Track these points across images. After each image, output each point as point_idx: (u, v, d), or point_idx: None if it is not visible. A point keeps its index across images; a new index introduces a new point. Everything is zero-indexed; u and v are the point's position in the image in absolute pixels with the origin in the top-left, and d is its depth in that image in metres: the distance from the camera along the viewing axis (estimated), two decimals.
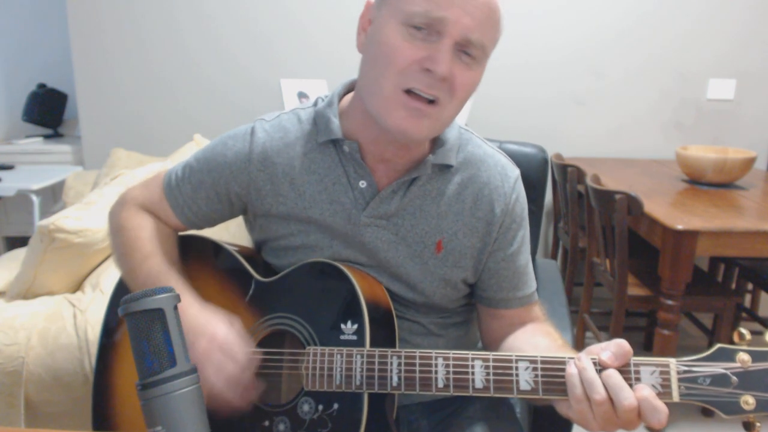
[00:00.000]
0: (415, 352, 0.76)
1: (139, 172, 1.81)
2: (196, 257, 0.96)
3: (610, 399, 0.65)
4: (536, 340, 0.87)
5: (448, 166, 0.88)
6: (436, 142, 0.88)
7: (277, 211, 0.89)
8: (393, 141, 0.82)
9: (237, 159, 0.89)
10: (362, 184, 0.86)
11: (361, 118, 0.84)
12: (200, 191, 0.92)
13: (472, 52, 0.75)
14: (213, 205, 0.92)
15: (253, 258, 0.95)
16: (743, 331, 0.66)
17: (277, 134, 0.89)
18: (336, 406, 0.77)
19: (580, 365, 0.68)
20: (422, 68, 0.74)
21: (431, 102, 0.76)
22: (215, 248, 0.96)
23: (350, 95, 0.89)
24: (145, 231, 0.92)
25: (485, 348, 0.97)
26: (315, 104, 0.91)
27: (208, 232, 0.99)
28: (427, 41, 0.73)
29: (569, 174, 2.44)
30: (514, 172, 0.92)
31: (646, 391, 0.65)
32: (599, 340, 2.30)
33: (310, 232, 0.88)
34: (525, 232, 0.93)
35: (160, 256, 0.89)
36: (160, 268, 0.87)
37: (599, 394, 0.65)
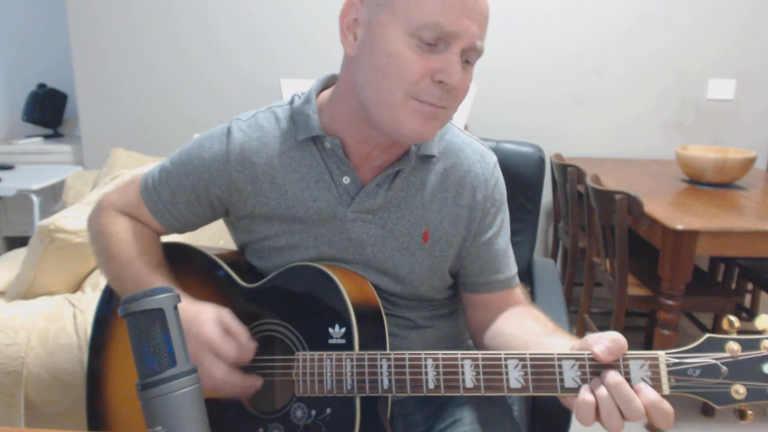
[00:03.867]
0: (404, 354, 0.75)
1: (138, 172, 1.81)
2: (179, 266, 0.94)
3: (619, 408, 0.64)
4: (527, 325, 0.86)
5: (431, 156, 0.88)
6: None
7: (260, 211, 0.88)
8: (382, 142, 0.82)
9: (215, 161, 0.88)
10: (345, 179, 0.85)
11: (347, 118, 0.83)
12: (180, 195, 0.90)
13: (472, 56, 0.76)
14: (194, 209, 0.91)
15: (236, 262, 0.94)
16: (732, 318, 0.65)
17: (254, 133, 0.88)
18: (329, 410, 0.77)
19: (598, 394, 0.65)
20: (434, 81, 0.74)
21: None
22: (196, 255, 0.94)
23: (328, 91, 0.88)
24: (126, 234, 0.90)
25: (474, 338, 0.97)
26: (291, 102, 0.90)
27: (189, 238, 0.98)
28: (435, 52, 0.73)
29: (569, 174, 2.44)
30: (492, 158, 0.94)
31: (651, 395, 0.63)
32: None
33: (295, 231, 0.88)
34: (504, 216, 0.94)
35: (144, 258, 0.88)
36: (145, 270, 0.86)
37: (616, 417, 0.63)
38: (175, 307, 0.58)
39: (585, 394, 0.66)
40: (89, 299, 1.53)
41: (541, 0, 2.81)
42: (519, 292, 0.96)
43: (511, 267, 0.95)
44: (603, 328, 2.38)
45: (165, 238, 0.97)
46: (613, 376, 0.64)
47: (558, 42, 2.86)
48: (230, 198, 0.89)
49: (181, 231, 0.95)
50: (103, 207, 0.95)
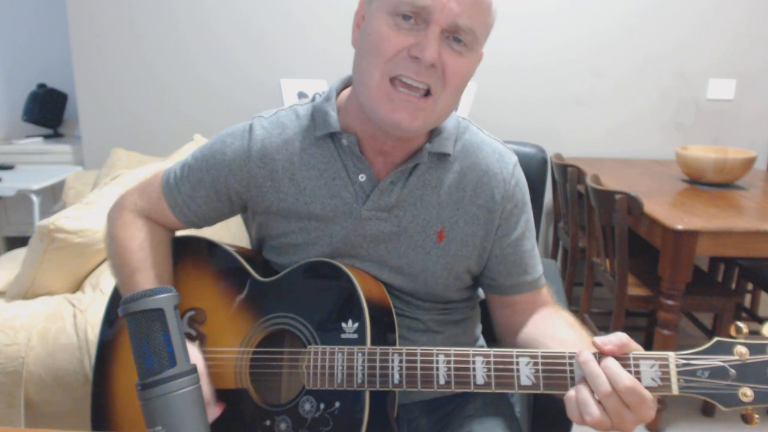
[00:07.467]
0: (416, 350, 0.76)
1: (139, 172, 1.81)
2: (194, 258, 0.96)
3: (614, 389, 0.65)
4: (561, 334, 0.85)
5: (446, 155, 0.88)
6: (433, 131, 0.88)
7: (278, 207, 0.89)
8: (390, 134, 0.83)
9: (236, 156, 0.89)
10: (362, 177, 0.86)
11: (358, 112, 0.84)
12: (199, 190, 0.91)
13: (462, 37, 0.75)
14: (212, 203, 0.92)
15: (253, 258, 0.95)
16: (740, 324, 0.66)
17: (275, 130, 0.90)
18: (337, 404, 0.78)
19: (581, 359, 0.68)
20: (410, 56, 0.74)
21: (426, 95, 0.76)
22: (214, 249, 0.96)
23: (348, 90, 0.90)
24: (134, 242, 0.91)
25: (504, 340, 0.96)
26: (313, 100, 0.92)
27: (207, 232, 0.99)
28: (414, 29, 0.74)
29: (569, 174, 2.44)
30: (512, 158, 0.93)
31: (631, 380, 0.65)
32: None
33: (311, 229, 0.89)
34: (528, 216, 0.94)
35: (146, 271, 0.89)
36: (144, 285, 0.87)
37: (604, 385, 0.65)
38: (176, 307, 0.58)
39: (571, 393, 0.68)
40: (89, 299, 1.53)
41: (541, 0, 2.81)
42: (546, 292, 0.96)
43: (538, 268, 0.95)
44: (603, 328, 2.38)
45: (184, 232, 0.98)
46: (607, 359, 0.67)
47: (558, 42, 2.86)
48: (249, 193, 0.90)
49: (198, 226, 0.96)
50: (123, 206, 0.96)
